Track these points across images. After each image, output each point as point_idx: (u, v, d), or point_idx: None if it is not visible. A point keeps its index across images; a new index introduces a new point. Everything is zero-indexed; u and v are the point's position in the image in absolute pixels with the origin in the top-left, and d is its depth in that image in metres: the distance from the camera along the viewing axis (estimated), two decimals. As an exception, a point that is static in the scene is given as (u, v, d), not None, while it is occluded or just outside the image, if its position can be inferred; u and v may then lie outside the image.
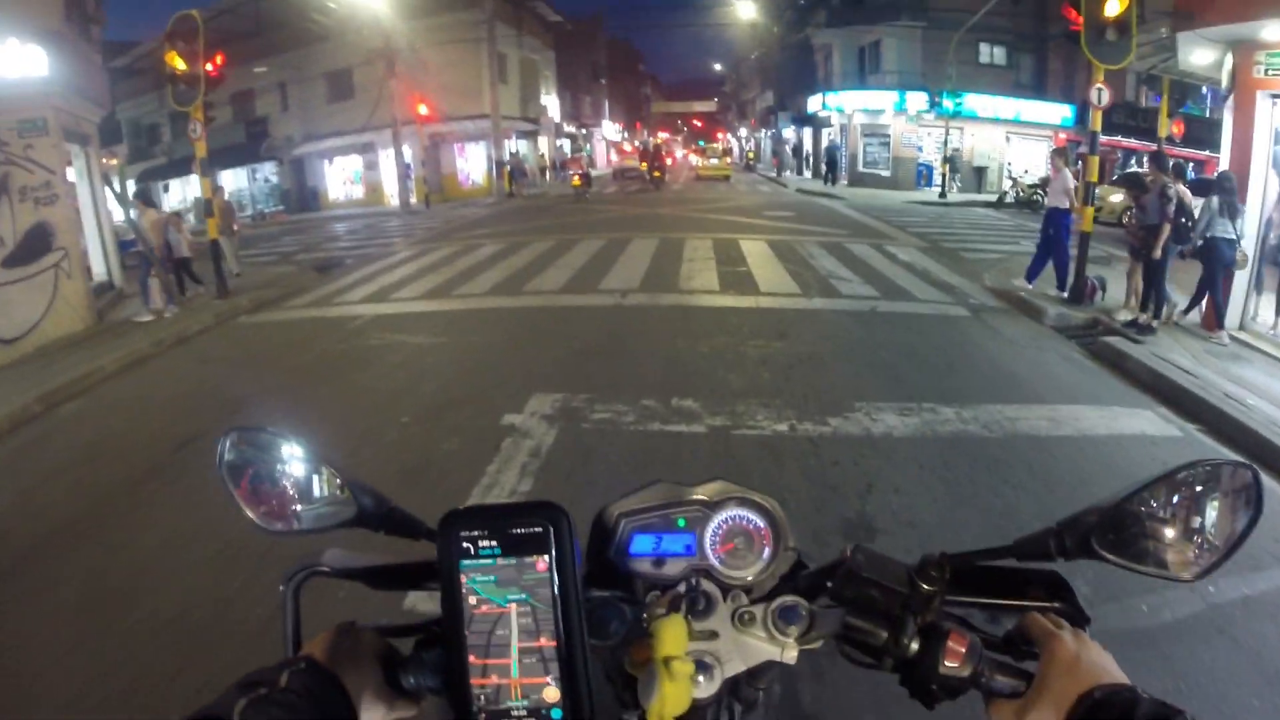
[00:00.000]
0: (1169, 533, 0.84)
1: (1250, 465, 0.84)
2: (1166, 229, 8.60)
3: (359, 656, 0.88)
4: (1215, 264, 8.37)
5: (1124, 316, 9.12)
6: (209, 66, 11.54)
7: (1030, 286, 10.92)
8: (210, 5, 30.55)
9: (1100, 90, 9.88)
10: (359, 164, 35.65)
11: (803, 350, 7.77)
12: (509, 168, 32.06)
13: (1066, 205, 10.79)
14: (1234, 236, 8.30)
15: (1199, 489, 0.85)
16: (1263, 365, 7.78)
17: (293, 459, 0.96)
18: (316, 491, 0.96)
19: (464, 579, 0.83)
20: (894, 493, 4.66)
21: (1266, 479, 5.29)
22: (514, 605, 0.83)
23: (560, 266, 12.66)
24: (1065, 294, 10.29)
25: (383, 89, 29.10)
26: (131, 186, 14.83)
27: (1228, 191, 8.34)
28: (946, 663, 0.88)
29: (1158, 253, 8.69)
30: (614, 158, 58.81)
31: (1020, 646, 0.93)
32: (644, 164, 38.39)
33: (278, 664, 0.82)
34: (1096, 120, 10.16)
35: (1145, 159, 8.85)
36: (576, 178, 28.62)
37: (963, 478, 4.86)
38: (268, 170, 36.79)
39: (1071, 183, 11.12)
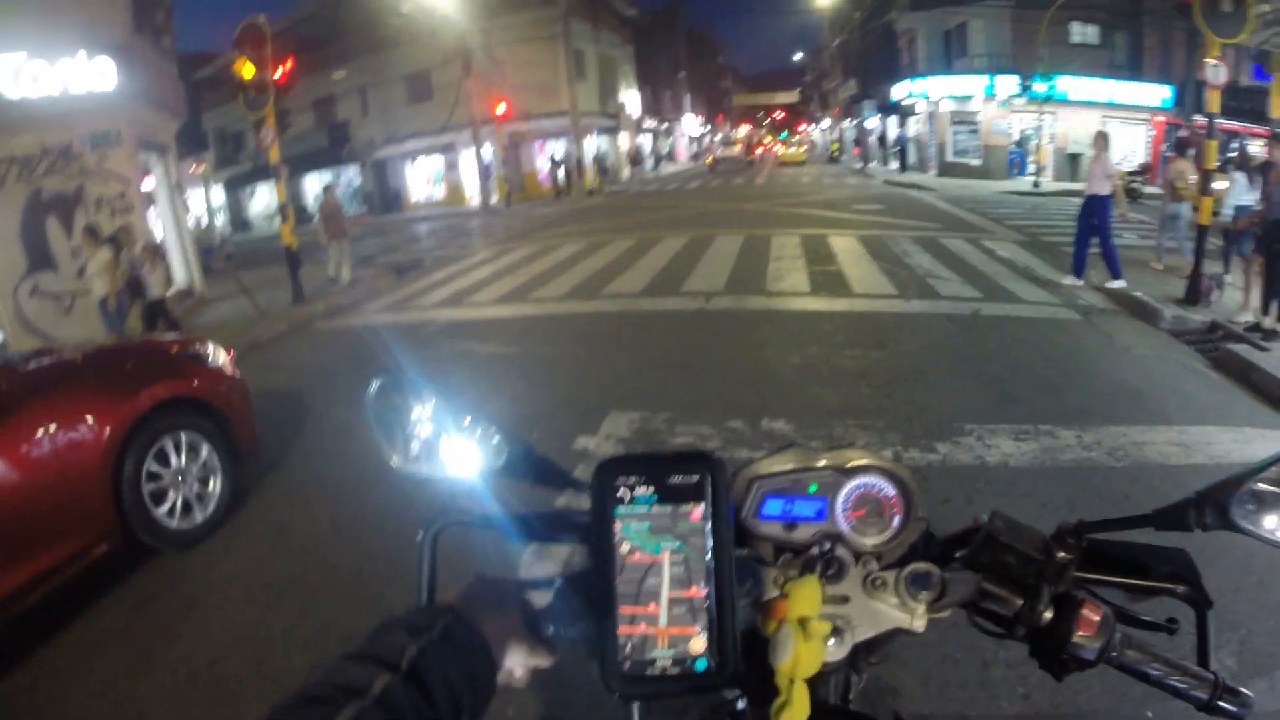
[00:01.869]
0: None
1: None
2: None
3: (497, 607, 0.88)
4: None
5: (1245, 318, 8.31)
6: (278, 73, 11.36)
7: (1080, 281, 10.39)
8: (286, 14, 31.19)
9: (1217, 67, 9.00)
10: (440, 164, 36.00)
11: (903, 362, 7.14)
12: (563, 166, 32.06)
13: (1108, 191, 10.29)
14: None
15: None
16: None
17: (439, 405, 0.98)
18: (464, 437, 0.97)
19: (618, 526, 0.85)
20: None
21: None
22: (668, 553, 0.84)
23: (640, 268, 12.20)
24: (1182, 296, 9.41)
25: (461, 89, 29.18)
26: (220, 194, 15.00)
27: None
28: (1080, 633, 0.88)
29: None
30: (692, 150, 67.87)
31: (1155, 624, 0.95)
32: (745, 153, 59.19)
33: (421, 611, 0.84)
34: (1215, 101, 9.35)
35: (1266, 143, 8.04)
36: (710, 159, 45.96)
37: (1092, 517, 4.18)
38: (351, 173, 37.24)
39: (1113, 167, 10.59)
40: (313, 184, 35.51)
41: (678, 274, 11.45)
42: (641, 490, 0.84)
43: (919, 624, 0.93)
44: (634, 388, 6.48)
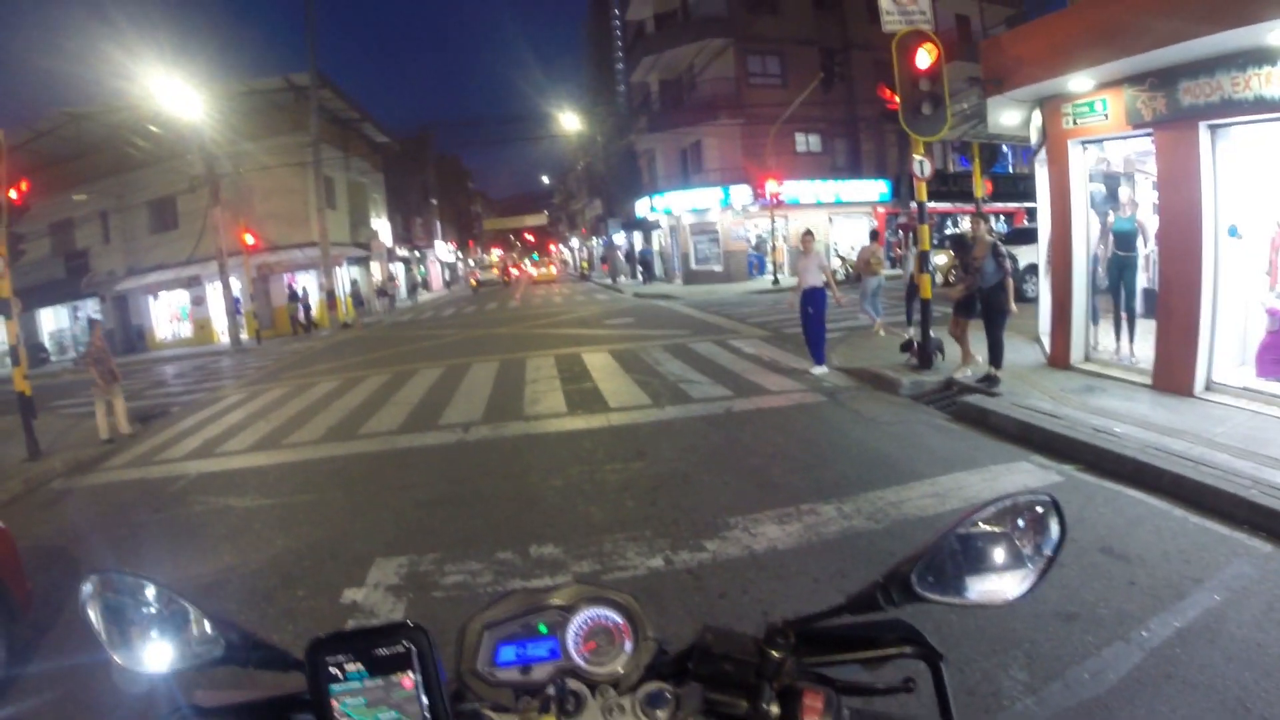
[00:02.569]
0: (984, 564, 0.94)
1: (1049, 494, 0.95)
2: (1011, 283, 9.01)
3: None
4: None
5: (963, 374, 9.48)
6: (13, 194, 10.30)
7: (824, 368, 11.36)
8: (28, 126, 28.67)
9: (922, 162, 10.39)
10: (185, 299, 33.57)
11: (664, 468, 7.38)
12: (300, 303, 31.06)
13: (821, 283, 11.48)
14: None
15: (1005, 522, 0.94)
16: (1117, 391, 8.23)
17: (156, 601, 0.97)
18: (182, 632, 0.96)
19: (335, 704, 0.87)
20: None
21: (1151, 498, 5.64)
22: None
23: (397, 402, 11.95)
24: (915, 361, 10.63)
25: (207, 218, 27.76)
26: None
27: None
28: (807, 719, 0.94)
29: (1013, 308, 9.10)
30: (445, 276, 70.53)
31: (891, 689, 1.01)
32: (502, 275, 63.21)
33: None
34: (922, 191, 10.64)
35: (968, 220, 9.32)
36: (474, 281, 53.95)
37: (863, 582, 4.46)
38: (90, 308, 33.69)
39: (823, 259, 11.89)
40: (48, 319, 32.40)
41: (435, 406, 11.30)
42: (351, 666, 0.87)
43: None
44: (399, 530, 6.28)
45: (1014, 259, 9.48)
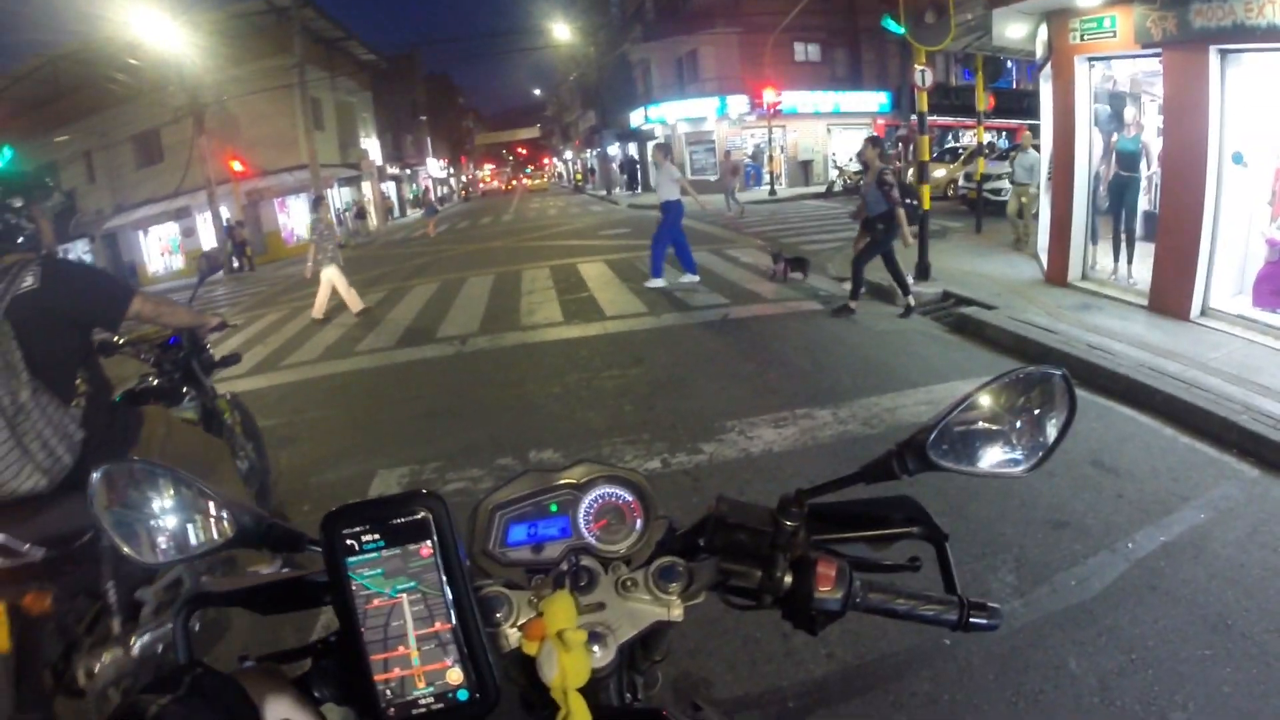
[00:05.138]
0: (997, 436, 0.95)
1: (1059, 368, 0.97)
2: (901, 214, 8.78)
3: (262, 693, 0.85)
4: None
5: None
6: None
7: (661, 281, 11.62)
8: (3, 72, 28.10)
9: (924, 72, 10.13)
10: (175, 231, 33.08)
11: (661, 374, 7.46)
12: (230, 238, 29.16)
13: (676, 196, 11.59)
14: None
15: (1018, 395, 0.95)
16: (1114, 311, 8.18)
17: (166, 488, 0.96)
18: (194, 516, 0.96)
19: (352, 577, 0.85)
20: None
21: (1142, 416, 5.67)
22: (404, 595, 0.85)
23: (393, 319, 11.97)
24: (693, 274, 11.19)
25: (193, 148, 27.32)
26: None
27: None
28: (820, 589, 0.95)
29: (908, 239, 9.04)
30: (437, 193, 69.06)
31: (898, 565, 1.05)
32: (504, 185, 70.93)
33: (172, 669, 0.81)
34: (923, 101, 10.45)
35: (863, 145, 9.09)
36: (480, 189, 66.68)
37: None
38: (80, 249, 32.70)
39: (677, 174, 11.86)
40: (34, 266, 32.18)
41: (432, 320, 11.34)
42: (368, 537, 0.85)
43: (676, 614, 0.98)
44: (400, 442, 6.36)
45: (910, 190, 9.36)
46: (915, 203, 9.32)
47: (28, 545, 2.55)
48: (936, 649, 3.10)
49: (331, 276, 12.50)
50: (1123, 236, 9.12)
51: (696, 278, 11.73)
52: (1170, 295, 7.91)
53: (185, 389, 4.15)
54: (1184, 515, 4.12)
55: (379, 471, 5.70)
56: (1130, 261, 9.05)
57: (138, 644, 2.77)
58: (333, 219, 13.04)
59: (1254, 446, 4.90)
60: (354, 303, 12.63)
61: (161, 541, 0.96)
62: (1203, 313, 7.70)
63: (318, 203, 14.17)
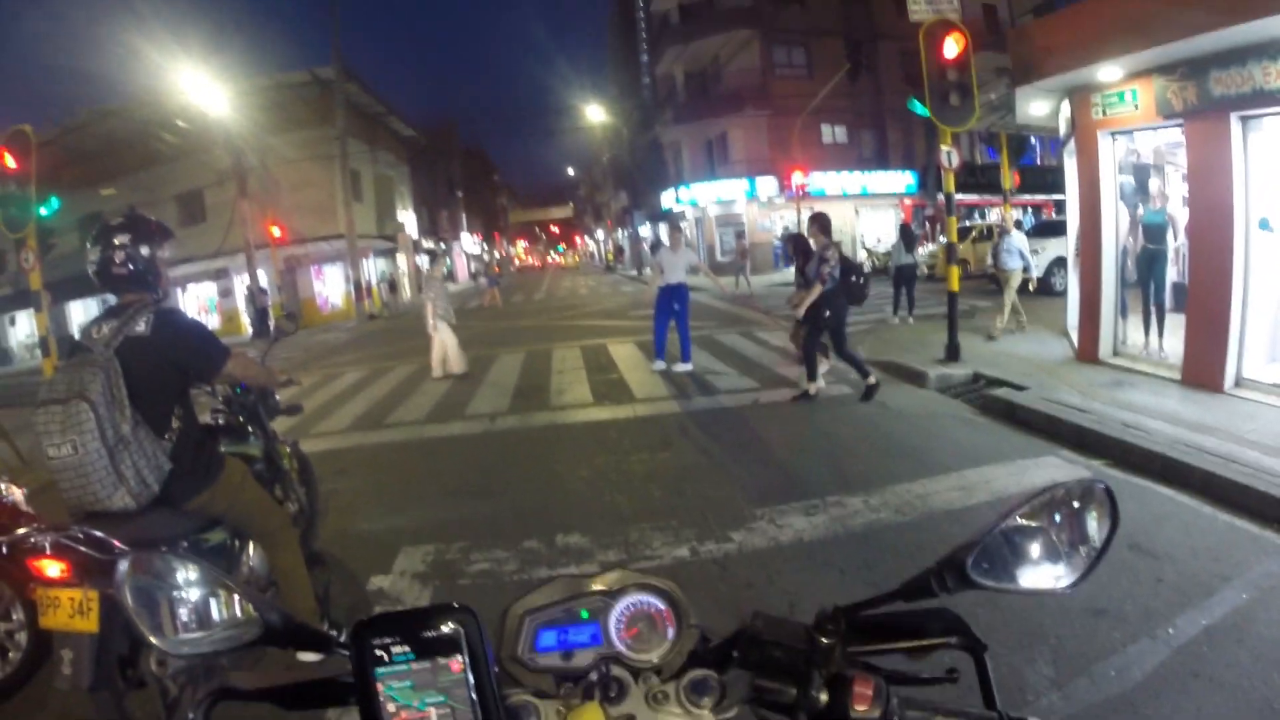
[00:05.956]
0: (1037, 552, 0.94)
1: (1102, 481, 0.96)
2: (816, 290, 8.79)
3: None
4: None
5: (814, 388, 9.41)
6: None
7: (689, 365, 11.59)
8: (58, 123, 28.99)
9: (950, 152, 10.33)
10: (213, 291, 33.91)
11: (689, 460, 7.40)
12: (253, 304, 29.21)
13: (681, 280, 11.64)
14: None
15: (1060, 509, 0.94)
16: (1146, 387, 8.11)
17: (194, 582, 0.97)
18: (220, 613, 0.96)
19: (380, 687, 0.86)
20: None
21: (1180, 495, 5.57)
22: (433, 709, 0.86)
23: (424, 392, 12.02)
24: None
25: (235, 211, 28.01)
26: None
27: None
28: (856, 708, 0.93)
29: (799, 310, 9.03)
30: (470, 268, 69.03)
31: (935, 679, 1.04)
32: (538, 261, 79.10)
33: None
34: (949, 182, 10.59)
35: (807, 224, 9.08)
36: (518, 266, 74.15)
37: (889, 573, 4.50)
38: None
39: (695, 258, 11.95)
40: (78, 312, 32.67)
41: (461, 396, 11.35)
42: (398, 649, 0.85)
43: None
44: (425, 519, 6.32)
45: (853, 267, 9.36)
46: (861, 279, 9.29)
47: (118, 545, 2.89)
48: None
49: (444, 337, 12.84)
50: (1153, 310, 9.12)
51: (663, 364, 11.71)
52: (1203, 367, 7.85)
53: (250, 429, 4.41)
54: (1226, 596, 4.02)
55: (403, 549, 5.62)
56: (1161, 335, 9.02)
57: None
58: (443, 275, 13.31)
59: (1295, 520, 4.78)
60: (457, 364, 12.95)
61: (185, 633, 0.97)
62: (1237, 383, 7.65)
63: (434, 259, 14.74)
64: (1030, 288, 12.89)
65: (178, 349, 3.24)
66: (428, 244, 51.34)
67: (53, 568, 2.87)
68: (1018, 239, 12.42)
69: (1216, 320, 7.65)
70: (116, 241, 3.20)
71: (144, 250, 3.23)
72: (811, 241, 9.16)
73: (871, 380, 9.09)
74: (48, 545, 2.88)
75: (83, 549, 2.87)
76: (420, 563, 5.37)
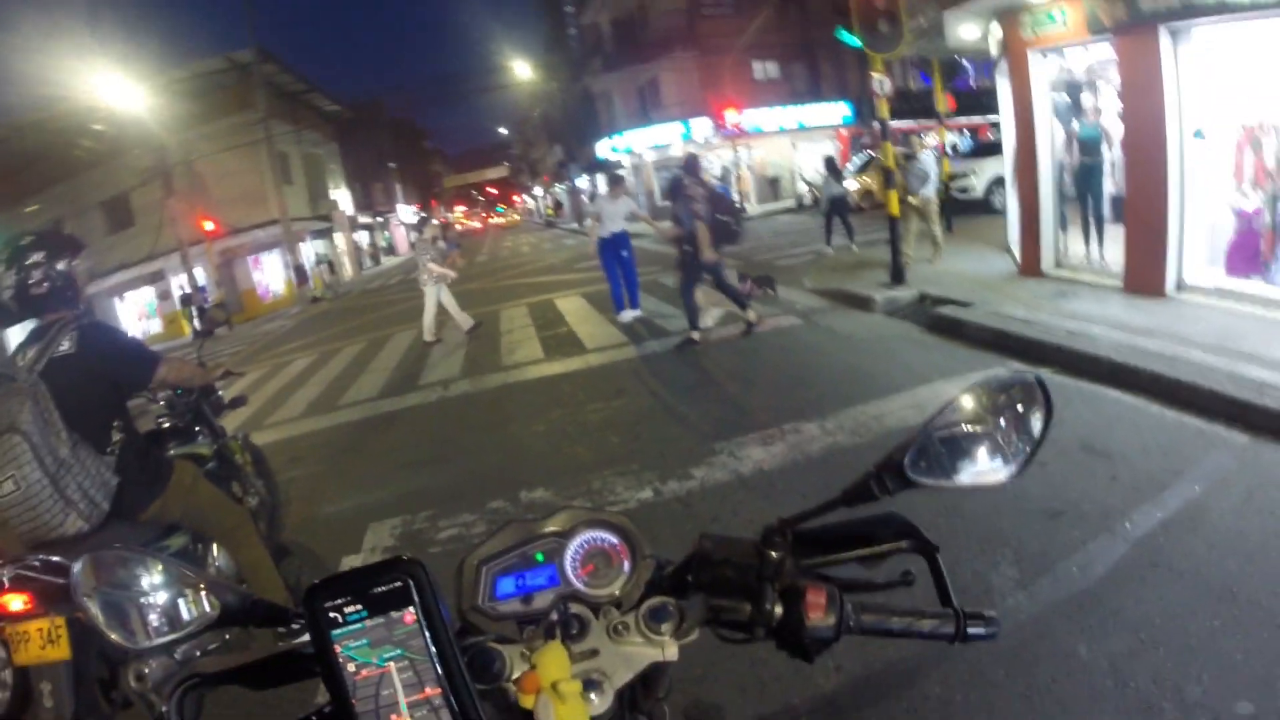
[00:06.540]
0: (975, 448, 0.95)
1: (1034, 373, 0.98)
2: (702, 230, 8.83)
3: None
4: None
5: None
6: None
7: (639, 311, 11.62)
8: None
9: (882, 80, 10.32)
10: (151, 295, 32.88)
11: (645, 403, 7.45)
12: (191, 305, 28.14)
13: (623, 229, 11.54)
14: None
15: (994, 404, 0.95)
16: (1090, 296, 8.28)
17: (148, 572, 0.98)
18: (177, 599, 0.98)
19: (338, 649, 0.85)
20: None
21: (1128, 396, 5.71)
22: (392, 663, 0.85)
23: (375, 369, 11.92)
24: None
25: (164, 210, 27.24)
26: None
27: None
28: (810, 616, 0.95)
29: (708, 255, 9.00)
30: (412, 237, 67.26)
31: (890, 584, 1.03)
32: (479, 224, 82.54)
33: None
34: (884, 109, 10.66)
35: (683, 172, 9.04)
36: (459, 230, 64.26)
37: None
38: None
39: (632, 206, 11.76)
40: (16, 337, 31.79)
41: (413, 368, 11.30)
42: (351, 609, 0.85)
43: (671, 653, 0.97)
44: (388, 493, 6.30)
45: (724, 204, 9.49)
46: (732, 219, 9.34)
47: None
48: (945, 652, 3.06)
49: (443, 299, 12.81)
50: (1092, 221, 9.25)
51: (631, 314, 11.65)
52: (1144, 274, 8.00)
53: (198, 429, 4.38)
54: (1179, 489, 4.14)
55: (370, 525, 5.61)
56: (1101, 245, 9.16)
57: (179, 650, 2.89)
58: (434, 238, 13.81)
59: (1241, 414, 4.94)
60: (463, 322, 12.92)
61: (147, 623, 0.98)
62: (1178, 288, 7.81)
63: (424, 224, 14.76)
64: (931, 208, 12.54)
65: (106, 363, 3.18)
66: (364, 219, 50.60)
67: (16, 601, 2.80)
68: (926, 161, 12.05)
69: (1155, 228, 7.77)
70: (29, 261, 3.11)
71: (59, 266, 3.15)
72: (685, 180, 9.18)
73: (695, 336, 9.28)
74: (6, 580, 2.80)
75: (43, 577, 2.80)
76: (389, 537, 5.37)
